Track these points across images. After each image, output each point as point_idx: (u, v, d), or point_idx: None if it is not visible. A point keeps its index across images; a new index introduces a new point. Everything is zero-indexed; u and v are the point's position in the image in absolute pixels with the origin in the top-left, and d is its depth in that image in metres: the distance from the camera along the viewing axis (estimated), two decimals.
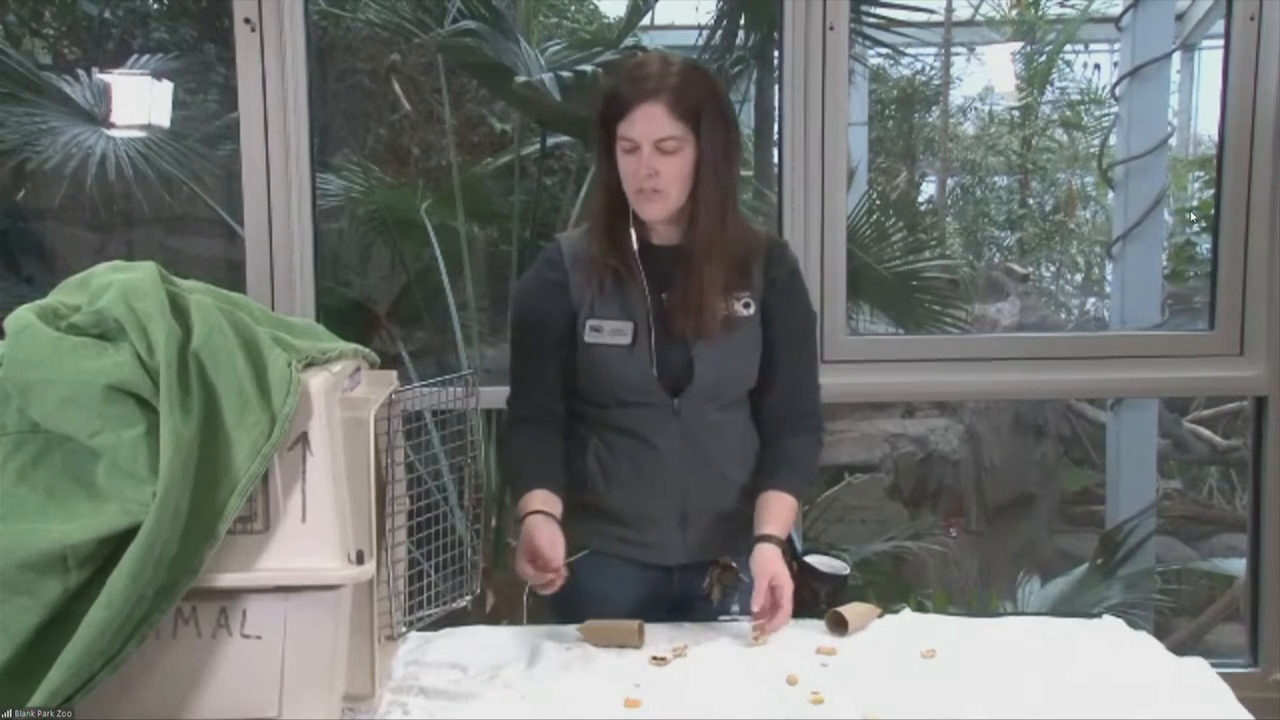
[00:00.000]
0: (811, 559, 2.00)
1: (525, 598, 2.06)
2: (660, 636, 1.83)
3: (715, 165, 1.91)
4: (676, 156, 1.88)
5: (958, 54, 5.68)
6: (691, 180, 1.91)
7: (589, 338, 1.96)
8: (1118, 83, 4.23)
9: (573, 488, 2.00)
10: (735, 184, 1.97)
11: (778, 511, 1.96)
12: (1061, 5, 5.51)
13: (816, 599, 1.96)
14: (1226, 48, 2.86)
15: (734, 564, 1.95)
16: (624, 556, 2.01)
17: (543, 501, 1.92)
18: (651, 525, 2.00)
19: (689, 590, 2.00)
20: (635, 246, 1.96)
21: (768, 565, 1.88)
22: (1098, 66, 5.63)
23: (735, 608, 1.96)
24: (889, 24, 3.63)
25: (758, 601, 1.85)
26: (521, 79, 3.44)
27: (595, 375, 1.97)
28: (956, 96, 5.89)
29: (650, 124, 1.86)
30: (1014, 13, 5.58)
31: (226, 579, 1.41)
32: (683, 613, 1.98)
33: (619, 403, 1.98)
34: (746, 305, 1.98)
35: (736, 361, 1.99)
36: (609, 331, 1.96)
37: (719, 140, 1.91)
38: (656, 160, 1.87)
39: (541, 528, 1.88)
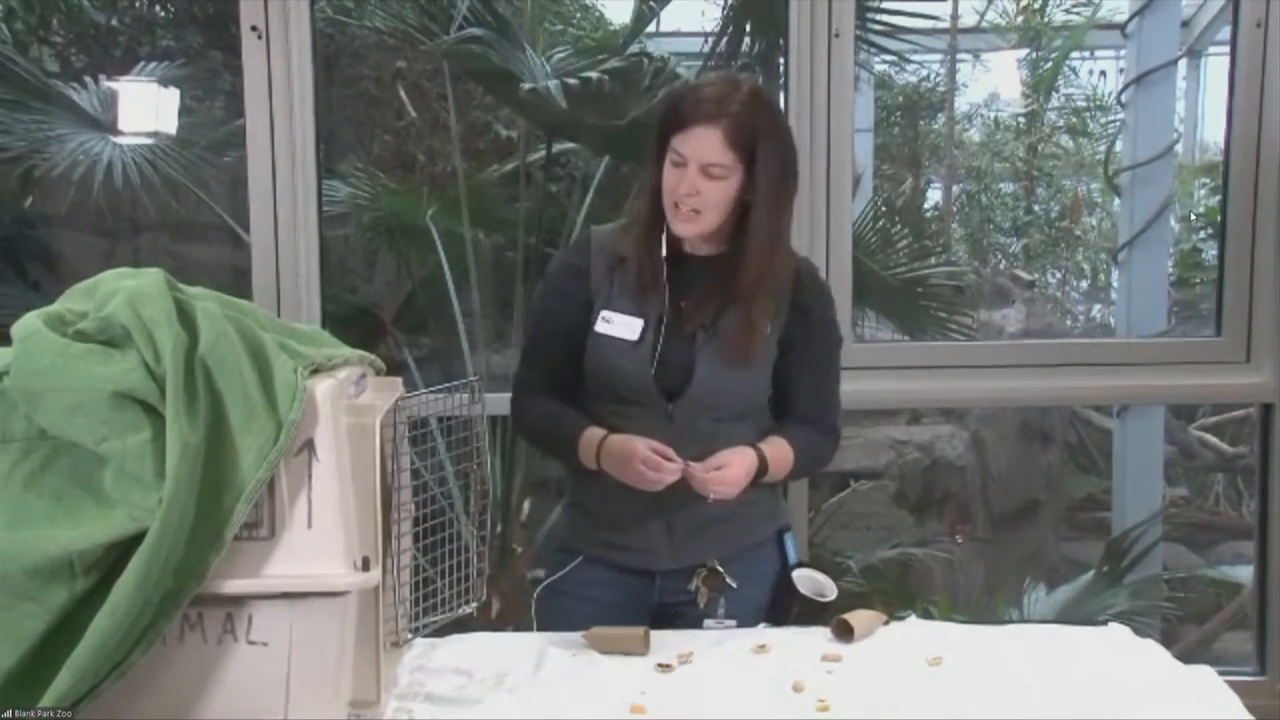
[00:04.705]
0: (800, 574, 2.01)
1: (534, 600, 2.08)
2: (666, 643, 1.82)
3: (767, 200, 1.91)
4: (721, 183, 1.89)
5: (963, 60, 5.68)
6: (731, 208, 1.91)
7: (599, 327, 1.99)
8: (1124, 89, 4.23)
9: (561, 485, 2.05)
10: (787, 220, 1.98)
11: (772, 442, 1.99)
12: (1067, 12, 5.51)
13: (788, 614, 1.98)
14: (1233, 54, 2.86)
15: (720, 568, 1.98)
16: (605, 561, 2.03)
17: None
18: (635, 529, 2.00)
19: (669, 598, 2.02)
20: (664, 253, 1.98)
21: (731, 453, 1.91)
22: (1103, 73, 5.63)
23: (721, 611, 1.98)
24: (894, 31, 3.63)
25: (700, 470, 1.89)
26: (527, 86, 3.45)
27: (597, 365, 2.00)
28: (962, 103, 5.90)
29: (702, 146, 1.87)
30: (1019, 19, 5.58)
31: (232, 585, 1.41)
32: (665, 621, 1.99)
33: (615, 399, 1.99)
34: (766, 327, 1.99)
35: (738, 375, 1.98)
36: (619, 325, 1.98)
37: (773, 176, 1.90)
38: (700, 181, 1.88)
39: (632, 439, 1.90)
